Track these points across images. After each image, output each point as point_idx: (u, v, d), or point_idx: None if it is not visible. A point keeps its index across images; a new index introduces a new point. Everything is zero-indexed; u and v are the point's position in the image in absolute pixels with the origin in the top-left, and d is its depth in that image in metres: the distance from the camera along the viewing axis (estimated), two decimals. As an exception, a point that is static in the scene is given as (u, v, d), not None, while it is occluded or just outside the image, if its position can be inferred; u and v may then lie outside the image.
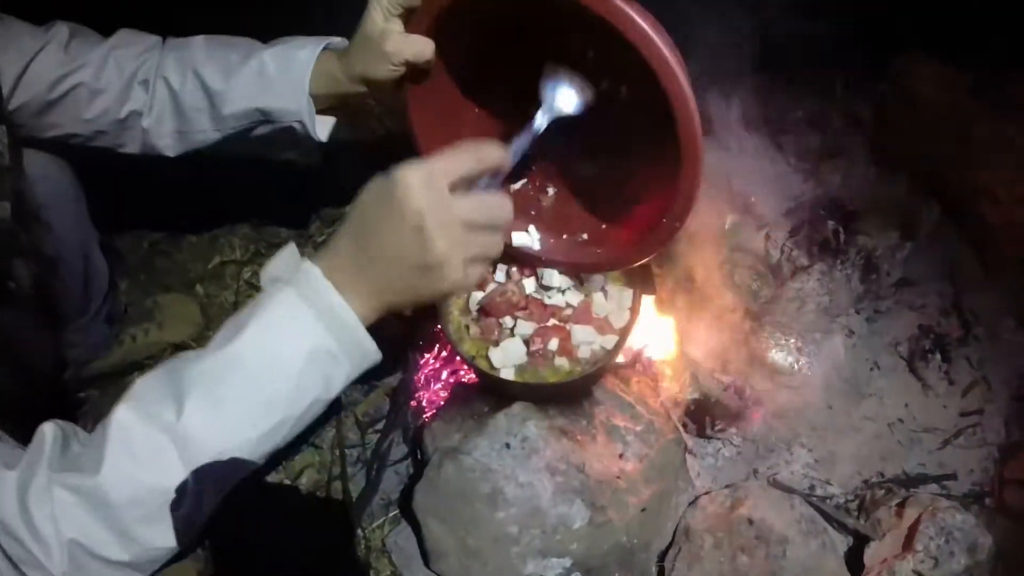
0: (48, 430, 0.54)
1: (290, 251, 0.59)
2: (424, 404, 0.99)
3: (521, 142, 0.63)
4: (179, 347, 1.19)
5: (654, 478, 0.86)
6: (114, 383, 1.19)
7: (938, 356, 1.15)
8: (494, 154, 0.54)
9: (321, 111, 0.82)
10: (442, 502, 0.82)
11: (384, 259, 0.52)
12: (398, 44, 0.68)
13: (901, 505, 0.96)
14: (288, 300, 0.53)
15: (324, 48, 0.80)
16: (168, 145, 0.88)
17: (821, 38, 1.36)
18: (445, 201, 0.50)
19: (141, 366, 1.19)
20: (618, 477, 0.83)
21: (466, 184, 0.53)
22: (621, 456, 0.85)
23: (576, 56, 0.71)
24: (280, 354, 0.53)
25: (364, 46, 0.71)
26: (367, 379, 1.01)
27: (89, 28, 0.87)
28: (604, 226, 0.80)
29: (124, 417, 0.53)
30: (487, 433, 0.84)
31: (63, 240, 1.02)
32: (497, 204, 0.53)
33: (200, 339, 1.20)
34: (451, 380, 0.99)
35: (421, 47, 0.68)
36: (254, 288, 1.23)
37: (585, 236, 0.81)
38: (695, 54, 0.74)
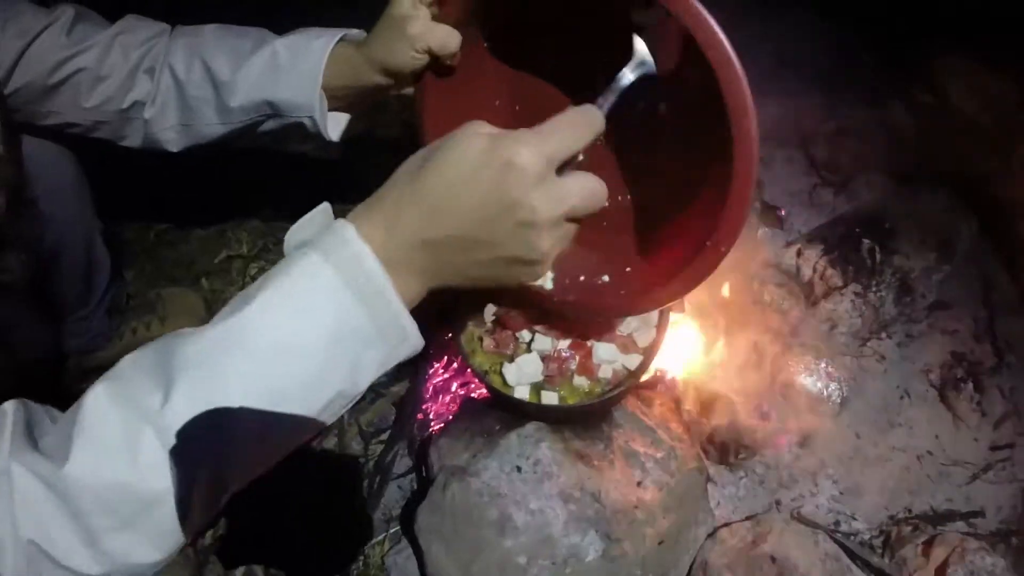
0: (9, 408, 0.44)
1: (321, 211, 0.48)
2: (431, 416, 0.93)
3: (607, 103, 0.55)
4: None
5: (673, 508, 0.80)
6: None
7: (970, 386, 1.08)
8: (598, 122, 0.48)
9: (336, 108, 0.77)
10: (446, 526, 0.76)
11: (467, 243, 0.44)
12: (422, 29, 0.63)
13: (928, 544, 0.89)
14: (311, 264, 0.42)
15: (341, 39, 0.74)
16: (171, 139, 0.82)
17: (855, 44, 1.29)
18: (559, 194, 0.45)
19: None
20: (636, 507, 0.76)
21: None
22: (639, 484, 0.78)
23: (614, 68, 0.64)
24: (296, 328, 0.42)
25: (387, 29, 0.66)
26: (373, 386, 0.95)
27: (96, 13, 0.82)
28: (629, 268, 0.70)
29: (99, 398, 0.42)
30: (497, 454, 0.78)
31: (64, 231, 0.97)
32: (600, 191, 0.48)
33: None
34: (461, 392, 0.93)
35: (446, 38, 0.63)
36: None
37: (606, 278, 0.71)
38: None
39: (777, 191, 1.25)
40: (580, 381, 0.76)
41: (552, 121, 0.46)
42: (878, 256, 1.07)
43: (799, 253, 1.08)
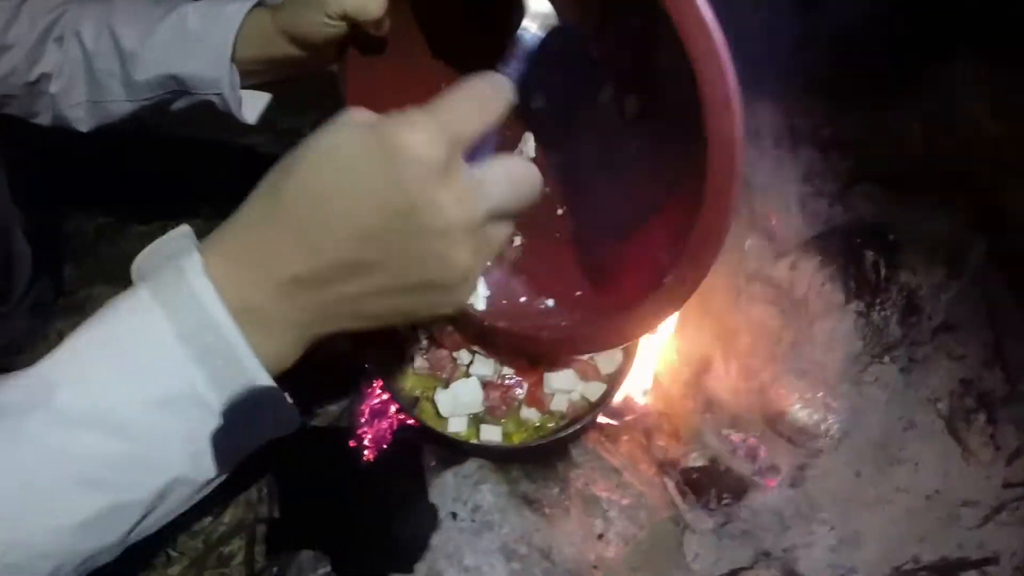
0: None
1: (181, 234, 0.36)
2: (366, 444, 0.76)
3: (515, 69, 0.40)
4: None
5: (640, 566, 0.63)
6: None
7: (982, 416, 0.91)
8: (506, 90, 0.32)
9: (253, 85, 0.63)
10: (364, 583, 0.59)
11: (355, 270, 0.30)
12: None
13: None
14: (138, 306, 0.30)
15: (258, 4, 0.60)
16: (79, 118, 0.69)
17: (857, 45, 1.14)
18: (473, 187, 0.29)
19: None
20: (595, 567, 0.60)
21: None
22: (601, 537, 0.62)
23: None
24: (109, 393, 0.30)
25: None
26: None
27: None
28: (579, 292, 0.55)
29: None
30: (430, 496, 0.61)
31: None
32: (532, 177, 0.32)
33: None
34: (400, 417, 0.76)
35: (365, 2, 0.48)
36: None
37: (550, 303, 0.56)
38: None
39: (767, 199, 1.09)
40: (529, 414, 0.59)
41: (448, 93, 0.30)
42: (883, 271, 0.90)
43: (793, 266, 0.91)
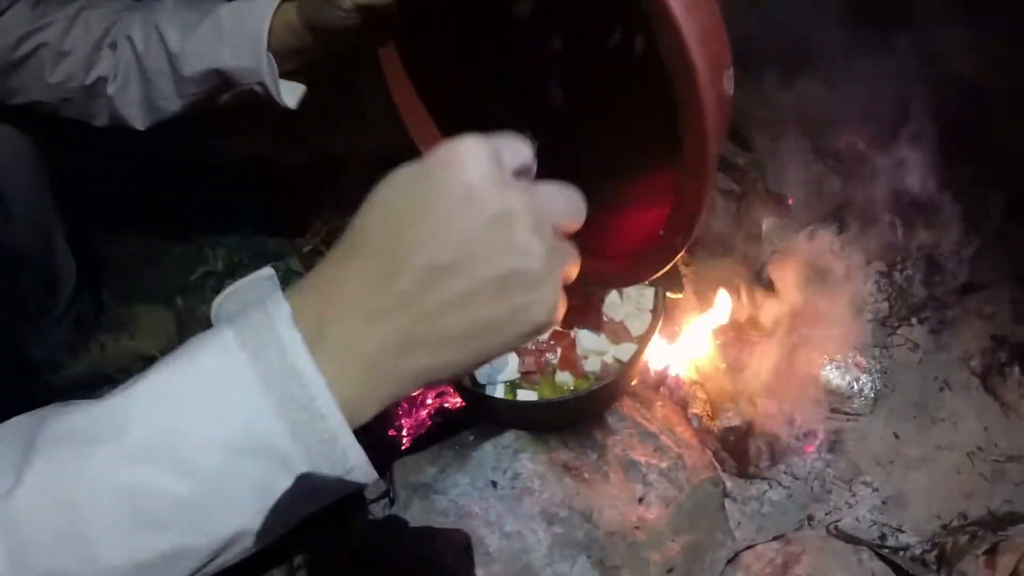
0: None
1: (264, 276, 0.35)
2: (404, 433, 0.75)
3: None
4: (149, 360, 1.00)
5: (684, 528, 0.61)
6: (82, 394, 1.01)
7: (1016, 370, 0.88)
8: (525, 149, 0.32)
9: (290, 75, 0.66)
10: (405, 553, 0.58)
11: (432, 277, 0.28)
12: None
13: (992, 552, 0.71)
14: (222, 347, 0.29)
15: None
16: (135, 115, 0.73)
17: (853, 22, 1.13)
18: (527, 187, 0.29)
19: (112, 379, 1.00)
20: (637, 528, 0.58)
21: None
22: (641, 500, 0.60)
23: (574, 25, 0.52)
24: (183, 431, 0.28)
25: None
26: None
27: None
28: (600, 240, 0.54)
29: None
30: (469, 468, 0.60)
31: (20, 229, 0.85)
32: (578, 199, 0.31)
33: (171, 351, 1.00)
34: (438, 403, 0.76)
35: None
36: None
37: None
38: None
39: (783, 179, 1.08)
40: (563, 377, 0.58)
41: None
42: (900, 230, 0.88)
43: (811, 234, 0.90)
